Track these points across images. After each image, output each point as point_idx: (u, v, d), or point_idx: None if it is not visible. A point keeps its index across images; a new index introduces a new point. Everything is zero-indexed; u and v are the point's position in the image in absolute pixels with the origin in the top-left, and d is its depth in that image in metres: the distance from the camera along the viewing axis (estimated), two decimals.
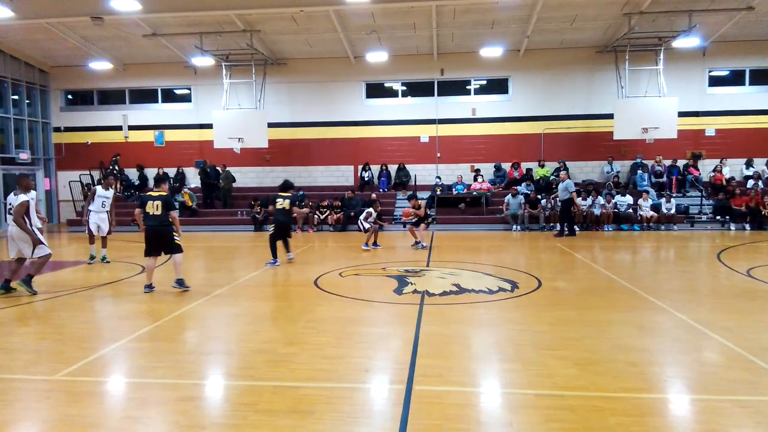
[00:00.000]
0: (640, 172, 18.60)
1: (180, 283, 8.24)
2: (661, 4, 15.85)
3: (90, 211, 11.23)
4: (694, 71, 18.84)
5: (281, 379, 4.57)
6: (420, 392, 4.24)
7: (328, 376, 4.66)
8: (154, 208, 8.11)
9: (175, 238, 8.29)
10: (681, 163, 18.84)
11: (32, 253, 8.16)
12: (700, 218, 17.13)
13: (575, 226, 15.49)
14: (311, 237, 16.03)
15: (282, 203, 10.71)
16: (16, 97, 20.17)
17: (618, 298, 7.48)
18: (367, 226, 13.20)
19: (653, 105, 17.47)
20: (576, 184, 18.56)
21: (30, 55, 20.03)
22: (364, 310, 7.13)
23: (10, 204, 8.21)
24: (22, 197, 8.05)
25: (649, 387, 4.38)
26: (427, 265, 10.47)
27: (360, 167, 20.13)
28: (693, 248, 13.30)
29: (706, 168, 18.97)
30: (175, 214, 8.28)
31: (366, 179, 19.78)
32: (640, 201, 16.96)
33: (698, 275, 9.79)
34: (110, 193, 11.45)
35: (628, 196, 17.28)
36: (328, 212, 17.82)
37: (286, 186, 11.11)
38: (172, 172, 20.59)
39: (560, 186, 15.38)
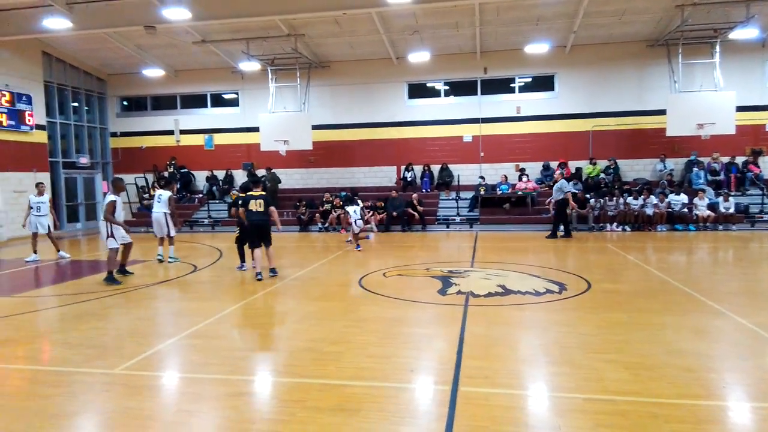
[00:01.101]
0: (695, 169, 17.82)
1: (273, 271, 9.47)
2: None
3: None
4: (752, 64, 17.89)
5: (328, 377, 4.65)
6: (466, 393, 4.22)
7: (374, 375, 4.70)
8: (257, 205, 9.34)
9: (273, 230, 9.61)
10: (740, 159, 17.92)
11: (106, 241, 9.53)
12: (762, 218, 16.24)
13: (570, 228, 15.13)
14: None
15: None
16: (76, 104, 21.25)
17: (672, 301, 7.20)
18: (359, 225, 12.99)
19: (709, 100, 16.70)
20: (626, 183, 18.06)
21: (88, 64, 21.07)
22: (408, 310, 7.14)
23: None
24: (110, 197, 9.36)
25: (707, 394, 4.20)
26: (471, 266, 10.38)
27: (403, 168, 20.14)
28: (753, 249, 12.64)
29: (767, 165, 17.98)
30: (274, 209, 9.58)
31: (409, 180, 19.79)
32: (696, 200, 16.24)
33: (759, 277, 9.28)
34: None
35: (682, 195, 16.58)
36: (371, 213, 17.92)
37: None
38: (221, 174, 21.22)
39: (555, 186, 14.98)
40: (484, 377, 4.56)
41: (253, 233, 9.45)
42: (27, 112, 17.95)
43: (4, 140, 17.31)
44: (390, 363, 4.99)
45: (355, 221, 12.91)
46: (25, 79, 18.23)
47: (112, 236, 9.43)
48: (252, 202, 9.34)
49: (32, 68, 18.62)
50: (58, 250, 12.63)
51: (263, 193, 9.56)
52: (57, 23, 15.68)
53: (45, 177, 18.88)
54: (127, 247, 10.10)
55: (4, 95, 17.16)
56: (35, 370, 5.09)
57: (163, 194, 11.68)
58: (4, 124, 17.16)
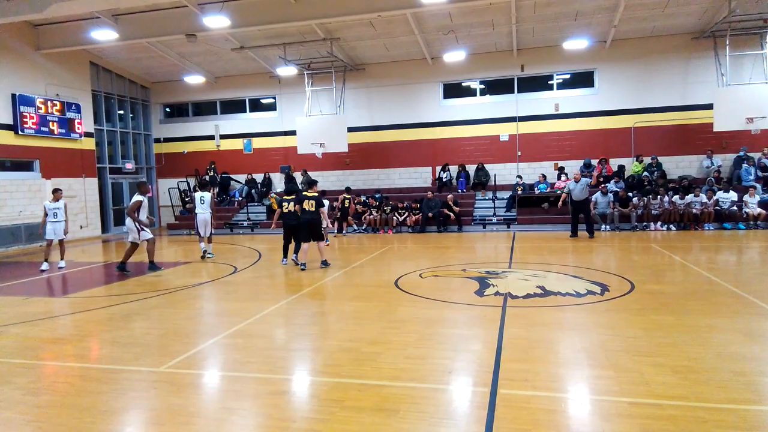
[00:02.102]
0: (745, 165, 17.06)
1: (325, 263, 10.66)
2: None
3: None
4: None
5: (366, 377, 4.67)
6: (505, 396, 4.17)
7: (412, 375, 4.70)
8: (309, 205, 10.41)
9: (322, 228, 10.78)
10: None
11: (138, 236, 10.51)
12: None
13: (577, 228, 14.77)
14: (390, 238, 16.19)
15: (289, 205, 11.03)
16: (121, 111, 22.07)
17: (721, 302, 6.93)
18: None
19: (759, 92, 15.97)
20: (671, 181, 17.45)
21: (133, 73, 21.85)
22: (446, 311, 7.10)
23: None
24: (137, 197, 10.45)
25: (759, 399, 4.03)
26: (509, 267, 10.24)
27: (438, 168, 20.05)
28: None
29: None
30: (324, 210, 10.65)
31: (444, 180, 19.68)
32: (746, 197, 15.55)
33: None
34: None
35: (731, 192, 15.90)
36: (406, 214, 17.92)
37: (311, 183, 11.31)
38: (259, 177, 21.61)
39: (577, 186, 14.30)
40: (524, 380, 4.49)
41: (304, 230, 10.53)
42: (76, 121, 18.75)
43: (55, 147, 18.13)
44: (428, 364, 4.98)
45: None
46: (74, 89, 19.04)
47: (143, 229, 10.43)
48: (306, 201, 10.44)
49: (81, 78, 19.44)
50: (62, 258, 12.23)
51: (316, 194, 10.63)
52: (104, 35, 16.35)
53: (93, 182, 19.70)
54: (135, 247, 10.75)
55: (56, 105, 17.97)
56: (86, 367, 5.30)
57: (205, 195, 12.57)
58: (56, 132, 17.97)
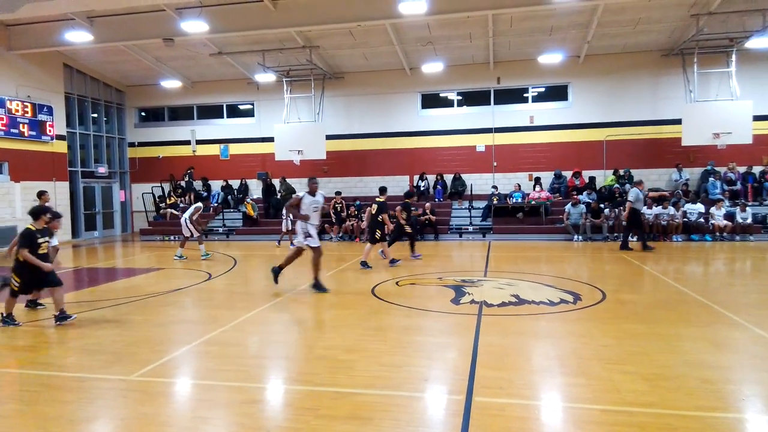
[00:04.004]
0: (711, 179, 17.61)
1: (364, 264, 11.23)
2: (732, 4, 15.02)
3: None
4: None
5: (341, 386, 4.65)
6: (480, 403, 4.20)
7: (387, 383, 4.70)
8: (373, 209, 11.40)
9: (377, 234, 11.32)
10: (757, 169, 17.68)
11: (306, 242, 8.97)
12: None
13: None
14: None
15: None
16: (95, 115, 21.64)
17: (690, 312, 7.11)
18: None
19: (725, 109, 16.54)
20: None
21: (108, 76, 21.48)
22: (422, 319, 7.13)
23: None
24: (299, 194, 9.14)
25: (726, 406, 4.14)
26: (485, 276, 10.34)
27: (416, 177, 20.17)
28: None
29: None
30: (385, 216, 11.27)
31: (422, 189, 19.79)
32: (713, 210, 16.03)
33: None
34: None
35: (699, 204, 16.38)
36: None
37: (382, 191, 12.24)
38: (236, 183, 21.41)
39: (641, 194, 13.82)
40: (499, 387, 4.53)
41: (368, 232, 11.64)
42: (48, 123, 18.33)
43: (25, 150, 17.67)
44: (403, 372, 4.98)
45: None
46: (47, 90, 18.62)
47: (310, 235, 8.92)
48: (372, 206, 11.41)
49: (53, 80, 19.03)
50: None
51: (381, 199, 11.49)
52: (78, 36, 16.05)
53: (64, 186, 19.24)
54: (298, 252, 9.23)
55: (26, 106, 17.54)
56: (53, 375, 5.15)
57: (195, 205, 14.08)
58: (26, 134, 17.52)
